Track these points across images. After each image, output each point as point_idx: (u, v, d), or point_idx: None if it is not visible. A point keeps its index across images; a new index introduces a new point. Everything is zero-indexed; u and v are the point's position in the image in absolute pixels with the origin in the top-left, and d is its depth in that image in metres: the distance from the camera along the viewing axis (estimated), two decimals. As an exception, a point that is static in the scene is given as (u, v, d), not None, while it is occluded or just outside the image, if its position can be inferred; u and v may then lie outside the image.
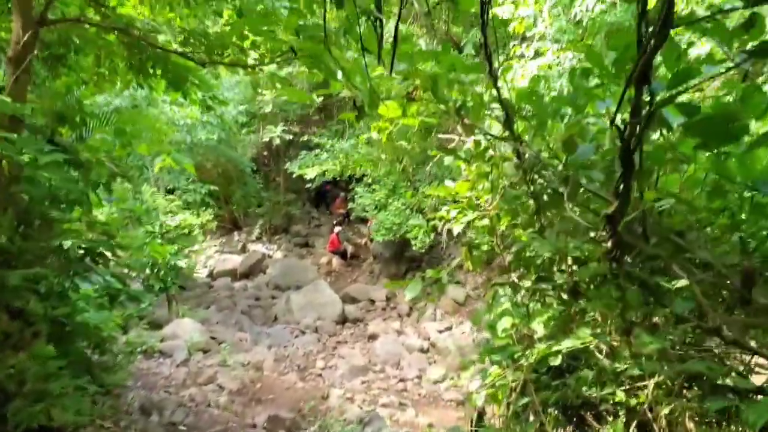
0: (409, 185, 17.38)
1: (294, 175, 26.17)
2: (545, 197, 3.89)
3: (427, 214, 16.41)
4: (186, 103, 12.05)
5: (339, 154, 19.26)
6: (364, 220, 20.62)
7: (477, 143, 4.22)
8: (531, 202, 4.00)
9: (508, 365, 3.94)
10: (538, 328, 3.93)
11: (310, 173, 20.38)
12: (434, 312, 15.90)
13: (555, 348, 3.36)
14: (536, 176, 3.87)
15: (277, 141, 21.98)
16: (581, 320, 3.82)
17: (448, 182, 5.23)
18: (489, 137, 4.03)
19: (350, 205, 17.81)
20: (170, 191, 12.42)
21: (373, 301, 17.07)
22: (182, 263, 11.93)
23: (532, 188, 3.87)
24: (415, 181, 17.65)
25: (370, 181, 19.02)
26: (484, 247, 6.50)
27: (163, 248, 6.81)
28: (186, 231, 12.61)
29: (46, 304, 5.58)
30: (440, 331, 14.27)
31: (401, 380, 11.84)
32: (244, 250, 23.37)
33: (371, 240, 21.71)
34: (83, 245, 6.28)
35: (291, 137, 22.71)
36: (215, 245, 24.50)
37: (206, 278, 20.33)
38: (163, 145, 7.35)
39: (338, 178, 21.66)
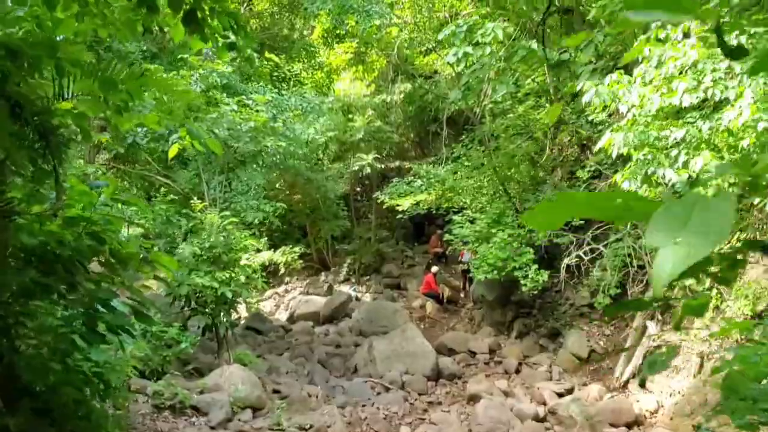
0: (516, 215, 14.63)
1: (386, 209, 24.39)
2: None
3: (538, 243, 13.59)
4: (253, 105, 10.15)
5: (435, 182, 16.87)
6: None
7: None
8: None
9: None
10: None
11: (403, 204, 18.11)
12: (549, 369, 12.89)
13: None
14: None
15: (368, 170, 19.90)
16: None
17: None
18: None
19: (447, 237, 15.28)
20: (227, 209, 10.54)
21: (473, 353, 14.28)
22: (238, 298, 9.85)
23: None
24: (523, 210, 14.87)
25: (470, 212, 16.45)
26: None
27: (170, 261, 4.65)
28: (252, 269, 10.52)
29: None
30: (559, 394, 11.28)
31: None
32: (330, 291, 21.25)
33: (465, 273, 18.96)
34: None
35: (382, 166, 20.63)
36: (300, 286, 22.60)
37: (285, 322, 18.29)
38: (181, 115, 5.17)
39: (434, 212, 19.26)
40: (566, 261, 12.18)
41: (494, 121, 15.97)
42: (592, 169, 12.60)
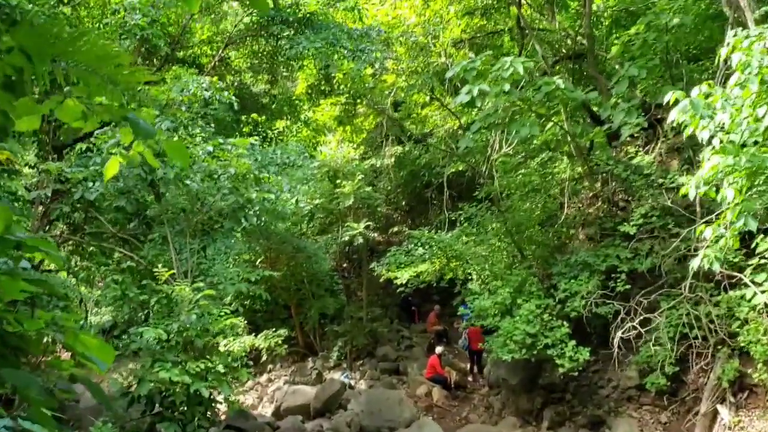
0: (540, 283, 12.59)
1: (377, 285, 22.18)
2: None
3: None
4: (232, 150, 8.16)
5: (438, 250, 14.83)
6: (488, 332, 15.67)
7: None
8: None
9: None
10: None
11: (402, 277, 15.99)
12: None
13: None
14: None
15: (360, 240, 17.83)
16: None
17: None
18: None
19: (463, 310, 13.08)
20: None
21: (501, 451, 11.85)
22: (216, 395, 7.48)
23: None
24: (548, 275, 12.87)
25: (478, 284, 14.37)
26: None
27: (100, 347, 2.81)
28: (232, 357, 8.18)
29: None
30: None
31: None
32: (319, 379, 18.68)
33: (472, 353, 16.64)
34: None
35: (375, 236, 18.62)
36: (285, 375, 19.97)
37: (270, 417, 15.65)
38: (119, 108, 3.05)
39: (434, 285, 17.14)
40: (619, 334, 10.05)
41: (504, 178, 14.17)
42: (639, 222, 10.70)
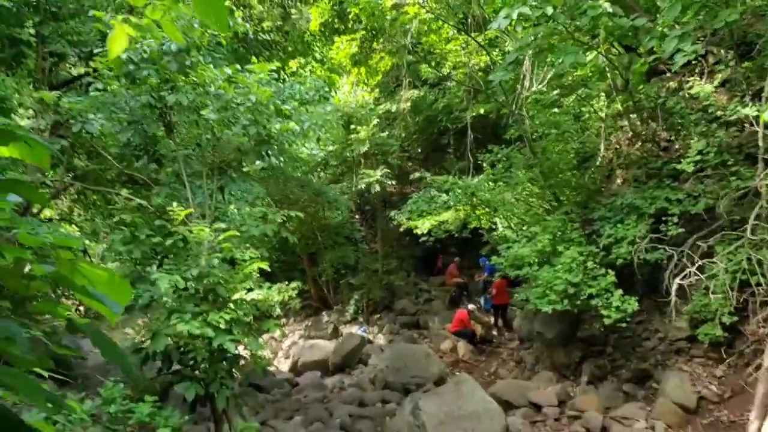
0: (580, 229, 11.66)
1: (393, 236, 21.32)
2: None
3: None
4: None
5: (463, 196, 13.85)
6: (513, 283, 14.81)
7: None
8: None
9: None
10: None
11: (423, 226, 15.07)
12: (649, 426, 9.76)
13: None
14: None
15: (377, 188, 16.87)
16: None
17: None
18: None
19: (496, 259, 12.16)
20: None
21: (538, 408, 11.11)
22: (241, 350, 6.59)
23: None
24: (588, 221, 11.93)
25: (510, 232, 13.45)
26: None
27: (111, 278, 2.13)
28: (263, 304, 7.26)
29: None
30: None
31: None
32: (336, 333, 18.01)
33: (496, 306, 15.85)
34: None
35: (393, 183, 17.63)
36: (299, 329, 19.31)
37: (288, 373, 14.98)
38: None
39: (455, 235, 16.26)
40: (677, 281, 9.13)
41: (537, 118, 13.09)
42: (696, 159, 9.69)
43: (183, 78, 6.72)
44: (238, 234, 6.45)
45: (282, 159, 9.31)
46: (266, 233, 7.00)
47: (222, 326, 5.98)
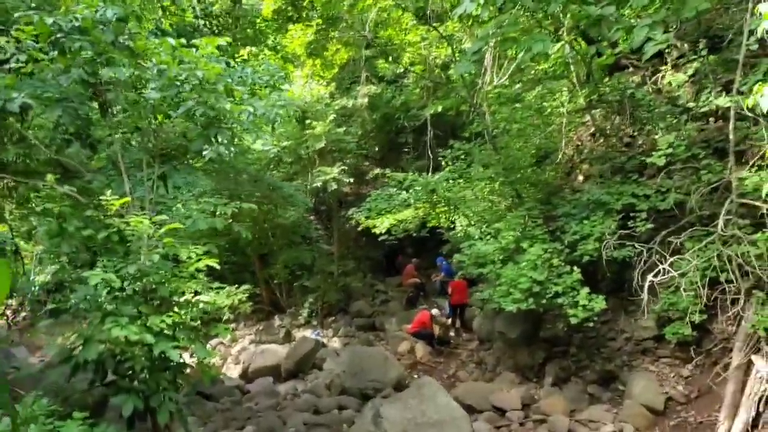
0: (544, 226, 11.30)
1: (351, 238, 20.70)
2: None
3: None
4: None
5: (424, 194, 13.36)
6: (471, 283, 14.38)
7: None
8: None
9: None
10: None
11: (382, 225, 14.53)
12: (617, 429, 9.42)
13: None
14: None
15: (333, 186, 16.22)
16: None
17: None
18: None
19: (459, 257, 11.69)
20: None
21: (502, 412, 10.67)
22: (187, 357, 5.83)
23: None
24: (552, 217, 11.59)
25: (472, 228, 12.99)
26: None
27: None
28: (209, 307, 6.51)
29: None
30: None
31: None
32: (288, 337, 17.26)
33: (455, 306, 15.38)
34: None
35: (351, 180, 17.01)
36: (250, 334, 18.46)
37: (238, 379, 14.18)
38: None
39: (414, 235, 15.79)
40: (650, 277, 8.79)
41: (498, 113, 12.68)
42: (668, 152, 9.39)
43: (120, 52, 5.97)
44: (182, 226, 5.73)
45: (232, 149, 8.58)
46: (215, 227, 6.30)
47: (165, 331, 5.26)
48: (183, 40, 6.64)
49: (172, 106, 6.61)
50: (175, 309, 5.70)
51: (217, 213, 6.68)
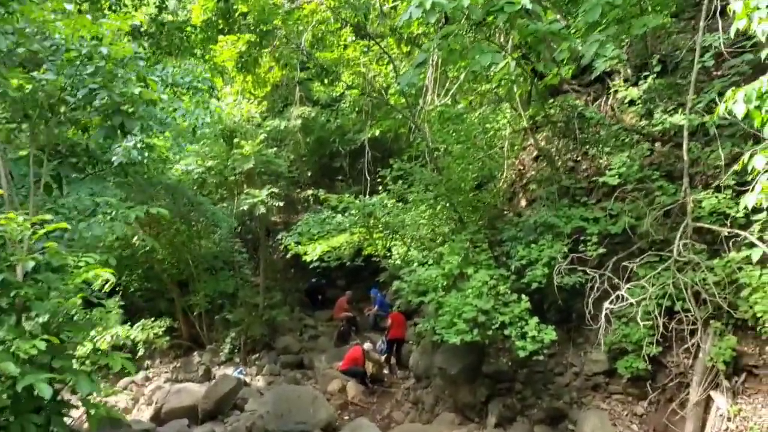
0: (489, 251, 10.60)
1: (278, 269, 19.56)
2: None
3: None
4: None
5: (359, 216, 12.51)
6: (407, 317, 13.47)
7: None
8: None
9: None
10: None
11: (313, 252, 13.53)
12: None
13: None
14: None
15: (261, 210, 15.11)
16: None
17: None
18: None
19: (399, 285, 10.76)
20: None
21: (443, 455, 9.70)
22: (67, 395, 4.61)
23: None
24: (497, 242, 10.92)
25: (412, 254, 12.16)
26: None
27: None
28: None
29: None
30: None
31: None
32: (207, 375, 15.78)
33: (391, 342, 14.42)
34: None
35: (280, 204, 15.94)
36: (166, 371, 16.83)
37: (148, 422, 12.63)
38: None
39: (347, 264, 14.88)
40: (606, 304, 8.13)
41: (440, 133, 12.02)
42: (621, 171, 8.89)
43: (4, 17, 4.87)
44: (68, 227, 4.59)
45: (146, 154, 7.46)
46: (115, 232, 5.17)
47: (35, 358, 4.08)
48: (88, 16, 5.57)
49: (69, 90, 5.49)
50: (55, 332, 4.50)
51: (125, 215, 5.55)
